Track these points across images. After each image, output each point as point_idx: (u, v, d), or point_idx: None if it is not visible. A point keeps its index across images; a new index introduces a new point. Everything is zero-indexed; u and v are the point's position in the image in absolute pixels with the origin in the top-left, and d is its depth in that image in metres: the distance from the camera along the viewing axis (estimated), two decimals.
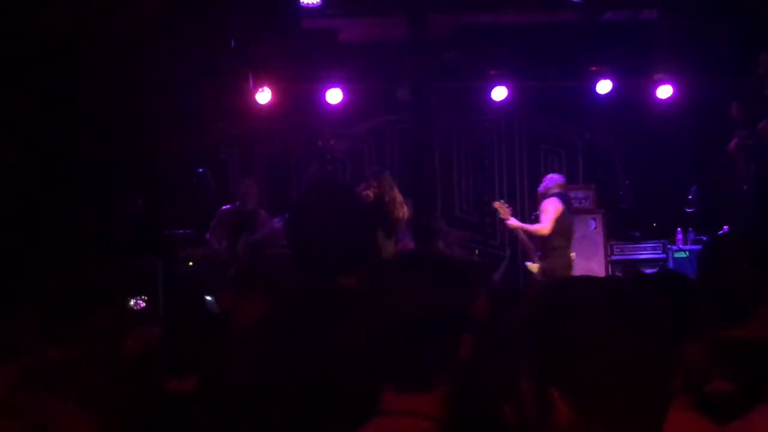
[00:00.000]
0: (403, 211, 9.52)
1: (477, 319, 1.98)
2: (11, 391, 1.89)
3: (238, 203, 9.84)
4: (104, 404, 2.09)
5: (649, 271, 8.91)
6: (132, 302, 7.55)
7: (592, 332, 1.58)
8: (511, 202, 12.16)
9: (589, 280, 1.70)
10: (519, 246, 11.61)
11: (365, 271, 2.28)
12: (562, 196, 9.48)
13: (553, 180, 9.70)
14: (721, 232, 10.22)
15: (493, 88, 11.32)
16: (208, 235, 9.75)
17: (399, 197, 9.59)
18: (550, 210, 9.28)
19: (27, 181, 8.07)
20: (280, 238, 9.58)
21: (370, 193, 9.34)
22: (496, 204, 9.72)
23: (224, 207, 9.83)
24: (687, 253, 10.59)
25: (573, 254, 9.47)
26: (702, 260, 2.77)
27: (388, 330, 1.86)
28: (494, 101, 11.44)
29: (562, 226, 9.29)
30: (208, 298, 7.27)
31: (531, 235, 9.46)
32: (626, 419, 1.57)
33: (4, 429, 1.85)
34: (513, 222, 9.56)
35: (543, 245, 9.36)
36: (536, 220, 10.53)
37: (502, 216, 9.66)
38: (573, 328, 1.59)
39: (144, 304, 7.76)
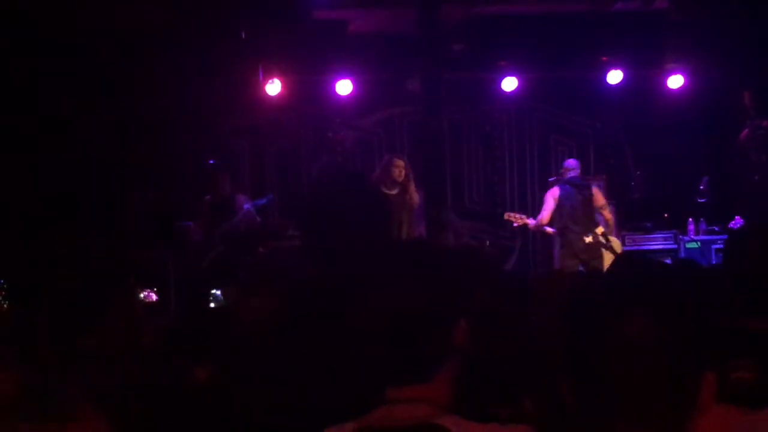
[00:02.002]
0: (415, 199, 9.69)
1: (475, 307, 1.99)
2: (38, 381, 1.90)
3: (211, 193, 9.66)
4: (126, 396, 2.10)
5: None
6: (143, 295, 7.55)
7: (604, 332, 1.58)
8: (521, 192, 12.20)
9: (608, 278, 1.71)
10: (530, 236, 11.62)
11: (366, 262, 2.28)
12: (563, 183, 10.04)
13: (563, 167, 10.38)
14: (733, 223, 10.22)
15: (503, 78, 11.30)
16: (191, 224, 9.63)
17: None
18: (547, 200, 10.02)
19: (39, 178, 8.10)
20: (253, 223, 9.47)
21: (401, 172, 9.49)
22: (507, 216, 10.31)
23: (206, 197, 9.70)
24: (698, 243, 10.57)
25: (588, 238, 9.68)
26: (728, 250, 2.76)
27: (383, 323, 1.87)
28: (504, 92, 11.42)
29: (562, 211, 9.84)
30: (216, 291, 7.27)
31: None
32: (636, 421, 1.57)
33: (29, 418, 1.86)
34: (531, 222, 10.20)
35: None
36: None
37: (518, 224, 10.22)
38: (587, 326, 1.60)
39: (155, 296, 7.76)
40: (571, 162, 10.32)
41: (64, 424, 1.76)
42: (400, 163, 9.67)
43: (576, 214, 9.81)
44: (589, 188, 10.07)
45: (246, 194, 9.98)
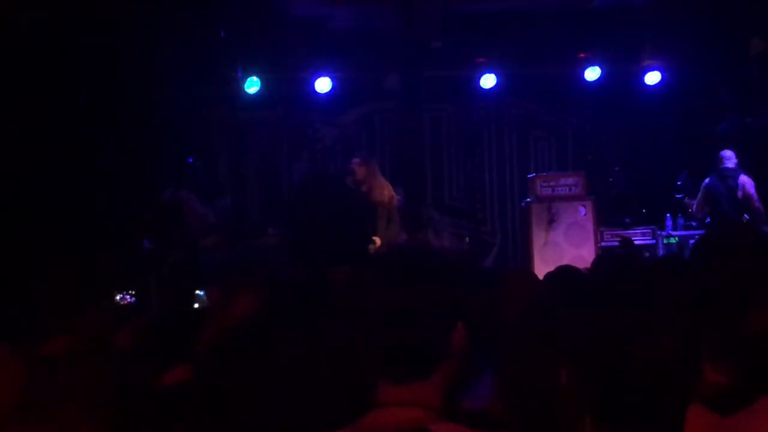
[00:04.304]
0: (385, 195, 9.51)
1: (471, 310, 1.99)
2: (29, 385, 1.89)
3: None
4: (101, 398, 2.10)
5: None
6: (119, 297, 7.48)
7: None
8: (500, 188, 12.24)
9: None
10: (510, 233, 11.64)
11: (358, 263, 2.30)
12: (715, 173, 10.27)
13: None
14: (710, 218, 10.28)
15: (482, 75, 11.32)
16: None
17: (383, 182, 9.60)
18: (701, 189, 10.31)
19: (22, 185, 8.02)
20: (207, 224, 9.21)
21: (359, 170, 9.35)
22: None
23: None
24: (676, 238, 10.63)
25: None
26: (699, 253, 2.74)
27: (381, 322, 1.88)
28: (483, 88, 11.44)
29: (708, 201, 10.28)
30: (200, 292, 7.23)
31: None
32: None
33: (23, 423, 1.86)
34: None
35: None
36: (527, 207, 10.57)
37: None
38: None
39: (132, 299, 7.67)
40: (724, 152, 10.24)
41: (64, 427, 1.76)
42: (356, 161, 9.57)
43: (719, 206, 9.96)
44: (734, 179, 10.01)
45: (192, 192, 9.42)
